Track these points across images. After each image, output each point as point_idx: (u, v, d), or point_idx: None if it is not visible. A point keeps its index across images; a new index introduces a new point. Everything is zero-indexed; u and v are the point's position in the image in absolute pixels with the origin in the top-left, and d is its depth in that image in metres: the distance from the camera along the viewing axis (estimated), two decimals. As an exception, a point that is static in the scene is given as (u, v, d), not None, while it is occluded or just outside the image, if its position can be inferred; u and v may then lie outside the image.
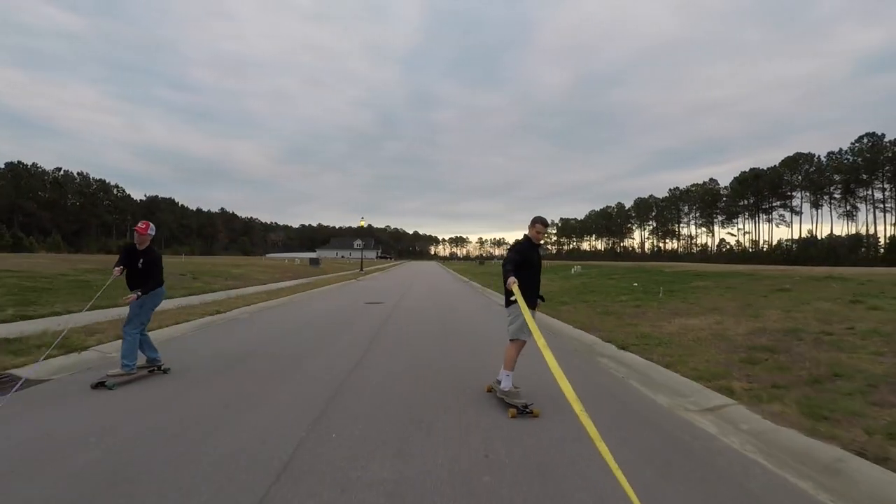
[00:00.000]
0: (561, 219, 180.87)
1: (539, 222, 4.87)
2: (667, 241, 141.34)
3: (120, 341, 5.78)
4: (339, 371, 6.23)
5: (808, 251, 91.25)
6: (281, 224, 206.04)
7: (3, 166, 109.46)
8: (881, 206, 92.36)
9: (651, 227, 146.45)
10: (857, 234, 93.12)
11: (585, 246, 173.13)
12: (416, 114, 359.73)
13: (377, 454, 3.61)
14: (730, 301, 12.71)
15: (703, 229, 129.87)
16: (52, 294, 12.56)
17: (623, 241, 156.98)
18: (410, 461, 3.50)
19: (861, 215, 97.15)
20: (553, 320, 11.07)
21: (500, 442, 3.90)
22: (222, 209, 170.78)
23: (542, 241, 4.95)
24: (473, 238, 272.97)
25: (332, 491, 3.04)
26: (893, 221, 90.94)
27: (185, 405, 4.75)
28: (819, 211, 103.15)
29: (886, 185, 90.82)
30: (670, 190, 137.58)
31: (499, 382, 4.89)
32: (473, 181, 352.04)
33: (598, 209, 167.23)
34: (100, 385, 5.15)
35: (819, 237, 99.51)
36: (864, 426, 3.87)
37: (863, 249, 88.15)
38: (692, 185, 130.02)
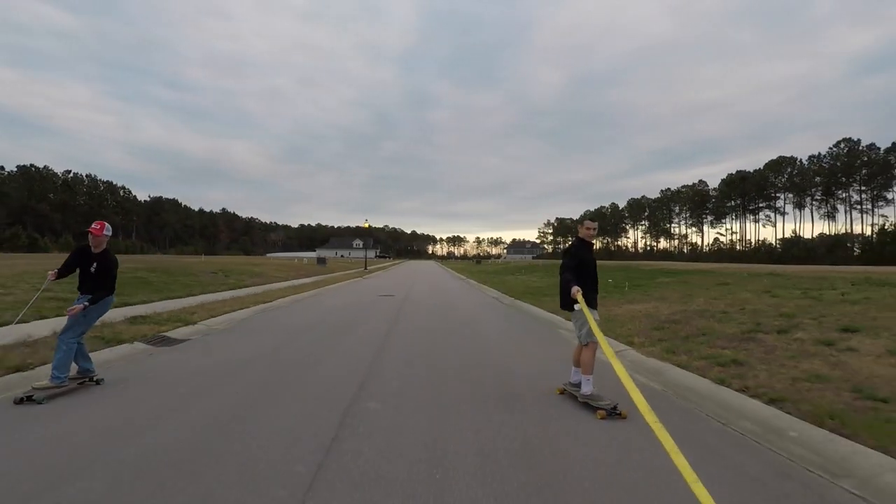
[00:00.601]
0: (557, 218, 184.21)
1: (589, 219, 4.98)
2: (660, 240, 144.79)
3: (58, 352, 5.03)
4: (381, 331, 9.48)
5: (791, 251, 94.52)
6: (280, 224, 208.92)
7: (14, 169, 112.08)
8: (858, 207, 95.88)
9: (644, 227, 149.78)
10: (836, 235, 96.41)
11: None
12: (411, 114, 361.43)
13: (415, 362, 6.48)
14: (676, 292, 15.60)
15: (693, 229, 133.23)
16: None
17: (618, 241, 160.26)
18: (432, 368, 6.35)
19: (840, 216, 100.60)
20: (536, 309, 13.92)
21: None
22: (223, 209, 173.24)
23: (594, 241, 5.13)
24: (471, 237, 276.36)
25: (397, 380, 5.87)
26: (871, 222, 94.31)
27: (292, 347, 7.60)
28: (802, 212, 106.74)
29: (863, 188, 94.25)
30: (662, 191, 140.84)
31: (571, 384, 5.17)
32: (470, 181, 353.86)
33: (592, 209, 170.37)
34: (26, 399, 4.63)
35: (803, 237, 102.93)
36: (689, 356, 6.73)
37: (841, 249, 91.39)
38: (683, 187, 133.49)
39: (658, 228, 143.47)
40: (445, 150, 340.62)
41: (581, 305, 4.21)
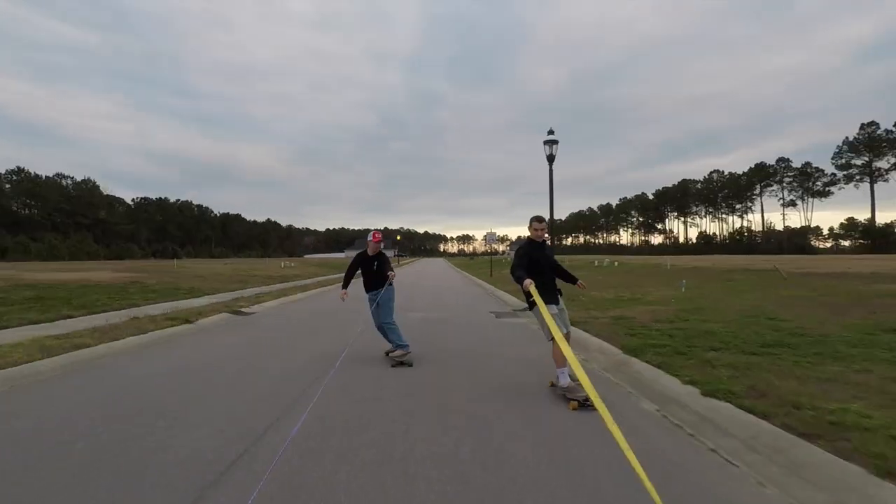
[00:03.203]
0: (539, 216, 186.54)
1: (535, 220, 4.60)
2: (650, 235, 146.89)
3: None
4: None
5: (758, 245, 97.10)
6: (312, 229, 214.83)
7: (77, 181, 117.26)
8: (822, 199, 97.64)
9: (634, 224, 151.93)
10: (797, 228, 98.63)
11: (569, 241, 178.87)
12: (418, 114, 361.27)
13: (426, 295, 10.27)
14: (613, 277, 19.22)
15: (679, 223, 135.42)
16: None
17: (611, 237, 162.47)
18: (441, 299, 10.11)
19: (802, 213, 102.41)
20: (500, 291, 17.65)
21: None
22: (267, 219, 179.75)
23: (544, 238, 4.69)
24: (479, 234, 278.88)
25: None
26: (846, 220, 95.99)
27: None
28: (765, 209, 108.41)
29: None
30: (654, 193, 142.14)
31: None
32: (477, 177, 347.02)
33: (586, 208, 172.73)
34: (397, 364, 5.61)
35: (774, 229, 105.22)
36: (594, 314, 10.42)
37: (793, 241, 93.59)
38: (669, 185, 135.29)
39: (648, 224, 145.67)
40: (452, 148, 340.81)
41: (535, 298, 3.81)
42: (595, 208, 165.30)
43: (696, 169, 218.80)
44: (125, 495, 2.52)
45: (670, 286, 13.95)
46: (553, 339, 3.91)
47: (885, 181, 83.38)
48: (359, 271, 6.01)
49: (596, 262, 40.03)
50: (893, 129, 79.19)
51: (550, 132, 12.21)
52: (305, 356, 6.14)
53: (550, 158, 12.31)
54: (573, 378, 4.28)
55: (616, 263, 31.84)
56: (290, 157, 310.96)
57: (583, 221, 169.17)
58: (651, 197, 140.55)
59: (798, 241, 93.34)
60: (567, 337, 4.50)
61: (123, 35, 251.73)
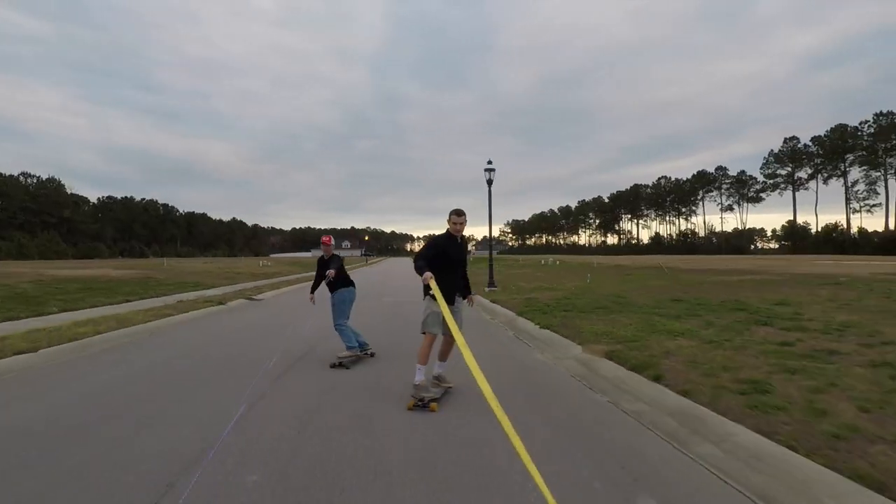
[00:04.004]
0: (513, 219, 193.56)
1: (454, 213, 4.29)
2: (608, 235, 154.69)
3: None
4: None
5: (701, 246, 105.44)
6: (277, 228, 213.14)
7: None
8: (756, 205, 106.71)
9: (594, 226, 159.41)
10: (743, 230, 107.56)
11: (532, 241, 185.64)
12: (385, 113, 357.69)
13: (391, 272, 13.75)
14: (548, 273, 23.19)
15: (632, 224, 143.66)
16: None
17: (571, 237, 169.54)
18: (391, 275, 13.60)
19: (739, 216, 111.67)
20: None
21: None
22: (233, 218, 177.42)
23: (460, 233, 4.34)
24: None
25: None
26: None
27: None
28: (707, 213, 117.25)
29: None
30: (609, 197, 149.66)
31: (434, 378, 4.44)
32: (445, 177, 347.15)
33: (548, 209, 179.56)
34: (338, 365, 5.53)
35: (715, 231, 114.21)
36: (514, 296, 14.17)
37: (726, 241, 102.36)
38: (623, 189, 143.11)
39: (606, 226, 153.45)
40: (420, 148, 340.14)
41: (434, 291, 3.66)
42: (556, 210, 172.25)
43: (660, 171, 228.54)
44: (247, 366, 5.91)
45: (583, 279, 17.96)
46: (426, 333, 4.16)
47: (805, 189, 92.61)
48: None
49: (543, 261, 44.93)
50: (810, 143, 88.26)
51: (489, 162, 15.91)
52: (310, 323, 9.56)
53: (489, 182, 16.03)
54: (439, 380, 4.43)
55: (558, 262, 36.42)
56: (255, 154, 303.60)
57: (544, 222, 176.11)
58: (606, 200, 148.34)
59: (735, 242, 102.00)
60: (451, 339, 4.17)
61: (80, 26, 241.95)
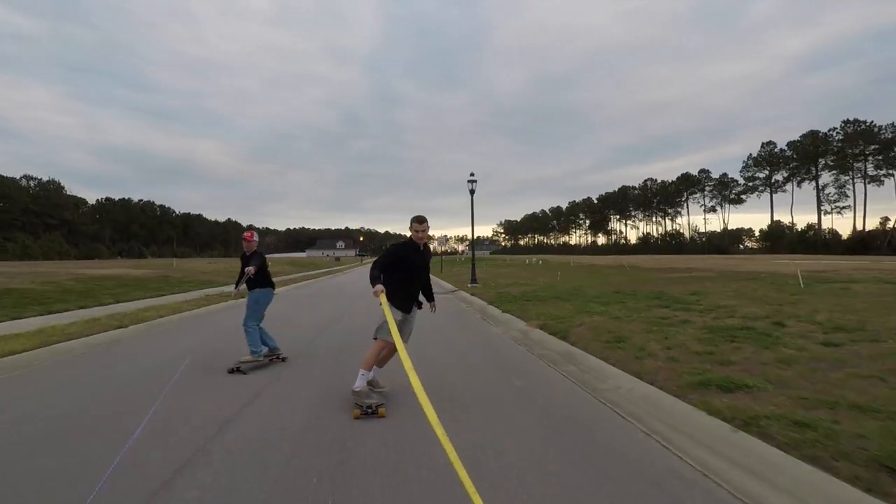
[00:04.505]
0: (505, 220, 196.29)
1: (415, 220, 4.12)
2: (598, 236, 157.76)
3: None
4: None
5: (686, 246, 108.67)
6: (272, 228, 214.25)
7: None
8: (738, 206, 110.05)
9: (584, 226, 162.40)
10: (733, 230, 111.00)
11: (525, 241, 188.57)
12: (379, 113, 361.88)
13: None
14: (528, 271, 25.49)
15: (622, 224, 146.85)
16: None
17: (562, 237, 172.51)
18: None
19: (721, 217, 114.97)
20: (442, 281, 23.52)
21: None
22: (228, 219, 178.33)
23: (424, 241, 4.19)
24: (440, 234, 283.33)
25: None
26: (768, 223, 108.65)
27: (336, 281, 16.92)
28: (690, 214, 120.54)
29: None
30: (598, 198, 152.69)
31: (370, 385, 4.23)
32: (440, 177, 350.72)
33: (539, 210, 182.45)
34: (236, 371, 5.23)
35: (699, 231, 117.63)
36: (490, 290, 16.44)
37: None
38: (612, 191, 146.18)
39: (598, 226, 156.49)
40: (415, 148, 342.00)
41: (382, 304, 3.63)
42: (547, 210, 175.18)
43: (654, 172, 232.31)
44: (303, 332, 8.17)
45: (555, 276, 20.27)
46: (377, 338, 4.05)
47: (783, 191, 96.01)
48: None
49: (527, 260, 47.54)
50: (786, 147, 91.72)
51: (472, 174, 18.18)
52: (325, 308, 11.76)
53: (472, 192, 18.30)
54: (372, 385, 4.24)
55: (541, 262, 38.91)
56: (249, 154, 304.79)
57: (536, 223, 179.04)
58: (596, 201, 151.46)
59: (717, 242, 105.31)
60: (393, 348, 4.03)
61: (73, 24, 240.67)
